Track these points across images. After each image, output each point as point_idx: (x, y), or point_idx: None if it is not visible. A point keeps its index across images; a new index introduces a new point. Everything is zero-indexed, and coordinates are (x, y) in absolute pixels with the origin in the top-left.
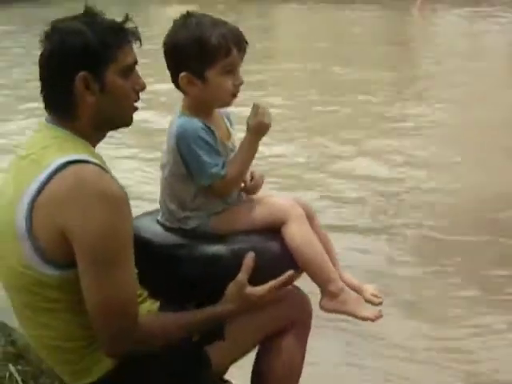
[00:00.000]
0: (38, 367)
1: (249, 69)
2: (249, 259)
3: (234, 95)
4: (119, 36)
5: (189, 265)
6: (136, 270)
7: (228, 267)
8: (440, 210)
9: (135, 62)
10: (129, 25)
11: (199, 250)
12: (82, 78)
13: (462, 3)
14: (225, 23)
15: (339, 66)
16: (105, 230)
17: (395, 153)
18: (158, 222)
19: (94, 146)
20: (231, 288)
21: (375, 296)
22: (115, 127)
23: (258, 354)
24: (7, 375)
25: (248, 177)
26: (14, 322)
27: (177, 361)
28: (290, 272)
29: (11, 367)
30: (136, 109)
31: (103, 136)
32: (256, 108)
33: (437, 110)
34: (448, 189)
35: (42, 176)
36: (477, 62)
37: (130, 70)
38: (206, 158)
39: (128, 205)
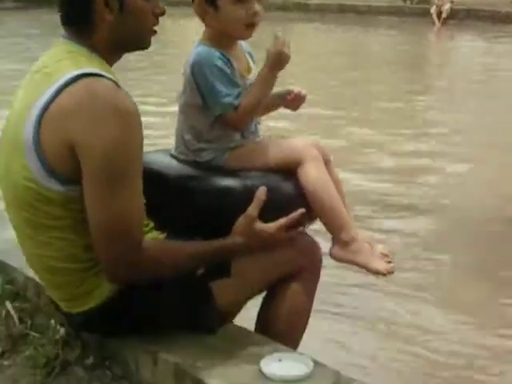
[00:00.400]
0: (35, 305)
1: None
2: (260, 193)
3: (250, 25)
4: None
5: (199, 196)
6: (144, 200)
7: (239, 201)
8: None
9: None
10: None
11: (211, 182)
12: None
13: (482, 30)
14: None
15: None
16: (115, 144)
17: None
18: (170, 155)
19: (110, 65)
20: (240, 221)
21: (385, 255)
22: (132, 49)
23: (264, 299)
24: (4, 313)
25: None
26: (13, 261)
27: (179, 292)
28: (302, 210)
29: (8, 304)
30: (155, 32)
31: (119, 57)
32: (277, 38)
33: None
34: None
35: (53, 88)
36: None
37: None
38: (219, 86)
39: (140, 123)
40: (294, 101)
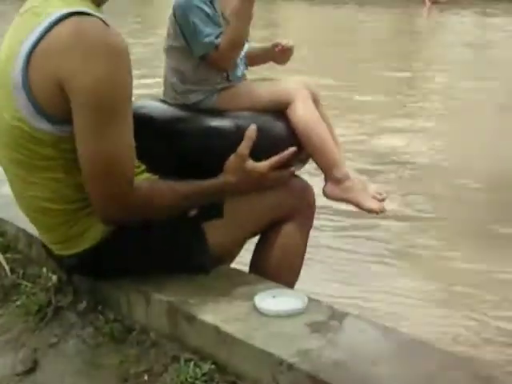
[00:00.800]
0: (26, 255)
1: None
2: (250, 131)
3: None
4: None
5: (189, 138)
6: (134, 141)
7: (230, 141)
8: None
9: None
10: None
11: (201, 123)
12: None
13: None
14: None
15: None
16: (104, 81)
17: None
18: (160, 100)
19: (100, 5)
20: (231, 160)
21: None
22: None
23: (257, 242)
24: None
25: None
26: (3, 214)
27: (171, 233)
28: (293, 148)
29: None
30: None
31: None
32: None
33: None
34: None
35: (42, 26)
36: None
37: None
38: (200, 27)
39: (129, 61)
40: (281, 53)
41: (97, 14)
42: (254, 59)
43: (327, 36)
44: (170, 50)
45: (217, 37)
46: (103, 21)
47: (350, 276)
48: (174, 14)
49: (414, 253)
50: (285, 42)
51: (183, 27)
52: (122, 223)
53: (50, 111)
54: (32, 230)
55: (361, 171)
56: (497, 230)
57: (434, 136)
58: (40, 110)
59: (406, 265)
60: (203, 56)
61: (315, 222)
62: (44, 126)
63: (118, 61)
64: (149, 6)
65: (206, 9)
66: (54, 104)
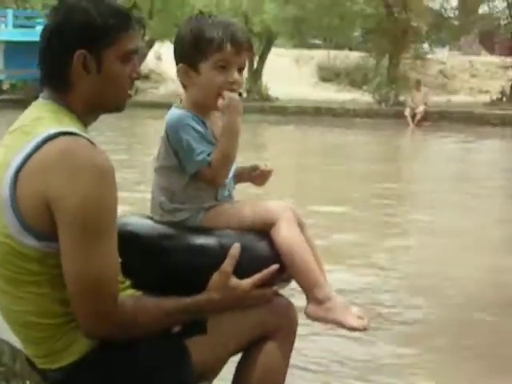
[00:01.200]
0: (10, 369)
1: None
2: (234, 250)
3: (225, 90)
4: (123, 20)
5: (174, 255)
6: (119, 260)
7: (214, 259)
8: None
9: (136, 50)
10: (135, 13)
11: (185, 240)
12: (80, 56)
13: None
14: (230, 23)
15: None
16: (90, 199)
17: None
18: (146, 216)
19: (86, 126)
20: (215, 277)
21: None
22: (107, 110)
23: (240, 359)
24: None
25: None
26: None
27: (155, 349)
28: (275, 266)
29: None
30: (130, 96)
31: (95, 118)
32: (221, 94)
33: None
34: None
35: (32, 144)
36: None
37: (129, 56)
38: (193, 144)
39: (115, 180)
40: (260, 176)
41: (84, 134)
42: (237, 177)
43: (310, 159)
44: (160, 169)
45: (209, 154)
46: (90, 141)
47: None
48: (167, 133)
49: None
50: (263, 166)
51: (175, 145)
52: (107, 339)
53: (36, 228)
54: (16, 343)
55: None
56: None
57: None
58: (27, 226)
59: None
60: (195, 173)
61: None
62: (31, 242)
63: (104, 181)
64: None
65: (199, 127)
66: (40, 221)
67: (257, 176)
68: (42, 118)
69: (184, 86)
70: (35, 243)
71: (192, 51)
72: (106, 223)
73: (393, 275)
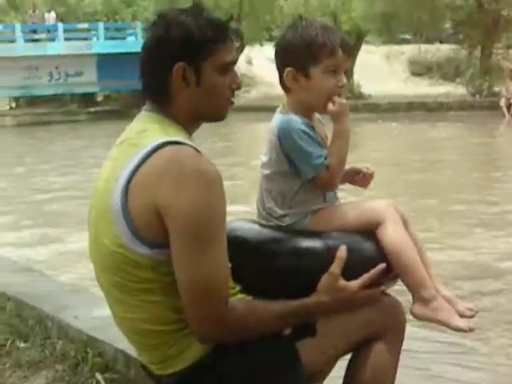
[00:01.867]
0: (125, 376)
1: None
2: (341, 252)
3: (335, 95)
4: (221, 33)
5: (282, 258)
6: (229, 265)
7: (322, 262)
8: None
9: (234, 61)
10: (232, 24)
11: (293, 243)
12: (179, 69)
13: None
14: (333, 28)
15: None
16: (199, 206)
17: None
18: (253, 221)
19: (190, 135)
20: (324, 279)
21: (469, 309)
22: (209, 120)
23: (349, 360)
24: (94, 383)
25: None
26: (102, 336)
27: (267, 353)
28: (382, 265)
29: (98, 375)
30: (232, 103)
31: (197, 127)
32: (331, 99)
33: None
34: None
35: (138, 156)
36: None
37: (227, 67)
38: (310, 149)
39: (222, 186)
40: (362, 180)
41: (189, 142)
42: (341, 179)
43: (411, 155)
44: (271, 175)
45: (325, 158)
46: (196, 149)
47: None
48: (279, 138)
49: None
50: (365, 169)
51: (289, 150)
52: (218, 341)
53: (148, 237)
54: (130, 350)
55: None
56: None
57: None
58: (139, 235)
59: None
60: (311, 178)
61: None
62: (143, 250)
63: (211, 187)
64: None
65: (310, 132)
66: (152, 230)
67: (360, 179)
68: (147, 130)
69: (287, 90)
70: (148, 251)
71: (303, 56)
72: (215, 229)
73: None
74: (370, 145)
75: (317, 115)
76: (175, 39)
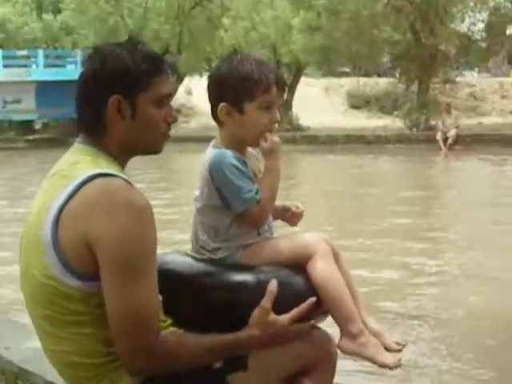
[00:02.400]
0: None
1: None
2: (272, 286)
3: (268, 131)
4: (157, 66)
5: (214, 292)
6: (161, 298)
7: (252, 295)
8: None
9: (170, 94)
10: (168, 57)
11: (225, 277)
12: (114, 101)
13: (488, 154)
14: (267, 63)
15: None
16: (129, 237)
17: None
18: (186, 254)
19: (123, 167)
20: (255, 313)
21: (397, 343)
22: (143, 153)
23: None
24: None
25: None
26: (33, 367)
27: None
28: (312, 299)
29: None
30: (167, 137)
31: (130, 158)
32: (263, 135)
33: None
34: None
35: (71, 187)
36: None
37: (163, 100)
38: (240, 183)
39: (152, 216)
40: (291, 218)
41: (121, 174)
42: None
43: (343, 187)
44: (203, 209)
45: (256, 192)
46: (127, 181)
47: None
48: (210, 173)
49: None
50: (294, 208)
51: (220, 185)
52: (148, 374)
53: (79, 269)
54: (61, 382)
55: None
56: None
57: None
58: (69, 267)
59: None
60: (241, 213)
61: None
62: (74, 282)
63: (141, 219)
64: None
65: (241, 166)
66: (82, 262)
67: (289, 217)
68: (79, 162)
69: (220, 124)
70: (78, 284)
71: (238, 91)
72: (145, 260)
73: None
74: (304, 177)
75: (252, 150)
76: (111, 72)
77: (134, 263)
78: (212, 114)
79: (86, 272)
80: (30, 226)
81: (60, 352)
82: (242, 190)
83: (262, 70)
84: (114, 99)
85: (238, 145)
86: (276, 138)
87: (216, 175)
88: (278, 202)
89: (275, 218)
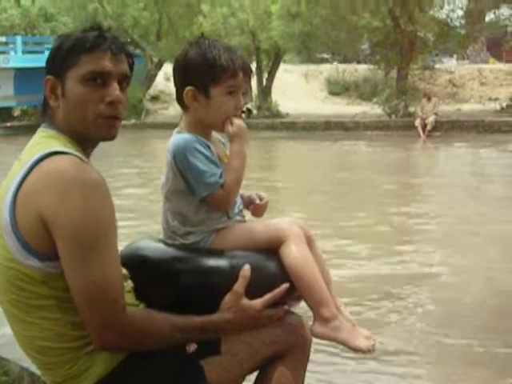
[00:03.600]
0: None
1: None
2: (245, 271)
3: (233, 116)
4: (88, 42)
5: (186, 277)
6: (131, 284)
7: (225, 280)
8: None
9: (103, 72)
10: (106, 34)
11: (197, 262)
12: (48, 81)
13: (467, 140)
14: (235, 49)
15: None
16: (82, 214)
17: None
18: (158, 240)
19: (84, 150)
20: (228, 297)
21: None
22: (92, 138)
23: (255, 381)
24: None
25: (255, 199)
26: (8, 354)
27: (171, 371)
28: (286, 285)
29: None
30: (112, 120)
31: (92, 145)
32: (229, 119)
33: None
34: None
35: (24, 169)
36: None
37: (95, 78)
38: (203, 167)
39: (106, 190)
40: (256, 209)
41: (73, 151)
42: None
43: (322, 173)
44: (169, 194)
45: (220, 176)
46: (80, 158)
47: None
48: (174, 158)
49: None
50: (257, 200)
51: (183, 169)
52: (117, 349)
53: (38, 248)
54: (36, 369)
55: None
56: None
57: None
58: (28, 248)
59: None
60: (205, 197)
61: None
62: (34, 263)
63: (94, 194)
64: None
65: (205, 151)
66: (41, 242)
67: (253, 209)
68: (37, 145)
69: (185, 108)
70: (40, 264)
71: (205, 76)
72: (101, 236)
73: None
74: (283, 163)
75: (217, 134)
76: (50, 53)
77: (91, 240)
78: (177, 98)
79: (46, 252)
80: None
81: (29, 337)
82: (205, 175)
83: (229, 55)
84: (47, 79)
85: (203, 129)
86: (242, 123)
87: (179, 160)
88: (245, 192)
89: (244, 207)
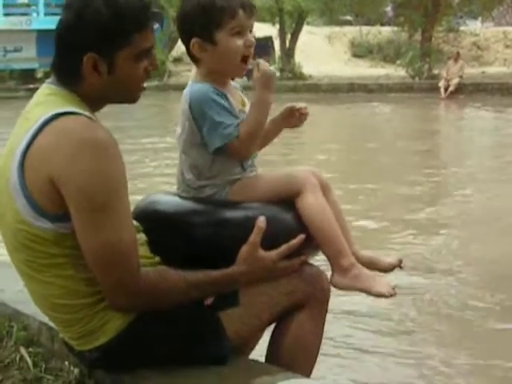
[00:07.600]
0: (49, 349)
1: None
2: (260, 221)
3: (245, 58)
4: (138, 20)
5: (202, 229)
6: (144, 237)
7: (241, 232)
8: None
9: (151, 47)
10: (152, 8)
11: (212, 214)
12: (90, 59)
13: (491, 103)
14: None
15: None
16: (93, 176)
17: None
18: (173, 194)
19: (94, 110)
20: (244, 249)
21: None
22: (117, 103)
23: (272, 331)
24: (18, 358)
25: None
26: (27, 309)
27: (189, 322)
28: (302, 236)
29: (22, 350)
30: (143, 89)
31: (104, 105)
32: (257, 64)
33: None
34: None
35: (32, 129)
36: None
37: (144, 53)
38: (219, 118)
39: (117, 150)
40: (299, 117)
41: (83, 112)
42: (267, 137)
43: (347, 136)
44: (185, 146)
45: (236, 127)
46: (90, 117)
47: None
48: (190, 109)
49: None
50: (298, 106)
51: (200, 121)
52: (132, 309)
53: (49, 210)
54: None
55: None
56: None
57: None
58: (39, 209)
59: None
60: (219, 148)
61: None
62: (45, 224)
63: (104, 154)
64: None
65: (222, 101)
66: (52, 203)
67: (299, 115)
68: (42, 103)
69: (196, 61)
70: (50, 225)
71: (205, 23)
72: (113, 197)
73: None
74: (307, 125)
75: (234, 83)
76: (86, 27)
77: (102, 201)
78: (188, 54)
79: (57, 213)
80: (0, 173)
81: (44, 296)
82: (221, 125)
83: None
84: (89, 57)
85: (218, 78)
86: (267, 68)
87: (196, 111)
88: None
89: (275, 136)
